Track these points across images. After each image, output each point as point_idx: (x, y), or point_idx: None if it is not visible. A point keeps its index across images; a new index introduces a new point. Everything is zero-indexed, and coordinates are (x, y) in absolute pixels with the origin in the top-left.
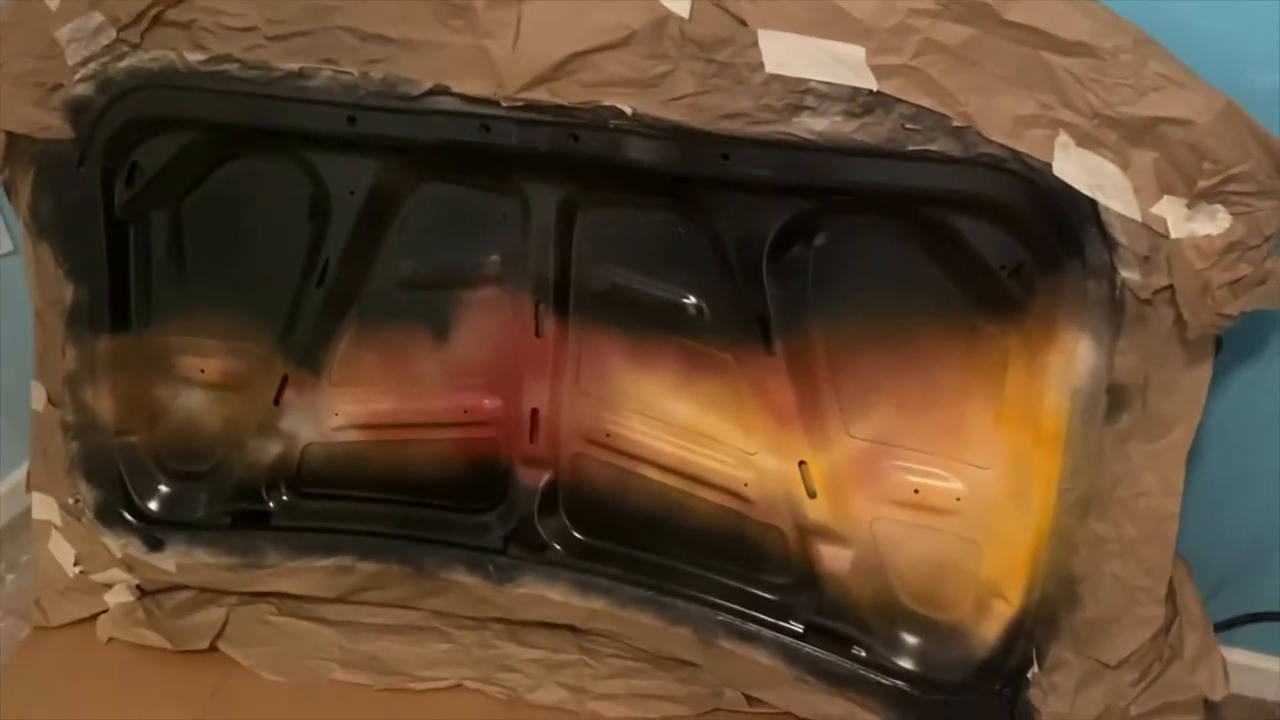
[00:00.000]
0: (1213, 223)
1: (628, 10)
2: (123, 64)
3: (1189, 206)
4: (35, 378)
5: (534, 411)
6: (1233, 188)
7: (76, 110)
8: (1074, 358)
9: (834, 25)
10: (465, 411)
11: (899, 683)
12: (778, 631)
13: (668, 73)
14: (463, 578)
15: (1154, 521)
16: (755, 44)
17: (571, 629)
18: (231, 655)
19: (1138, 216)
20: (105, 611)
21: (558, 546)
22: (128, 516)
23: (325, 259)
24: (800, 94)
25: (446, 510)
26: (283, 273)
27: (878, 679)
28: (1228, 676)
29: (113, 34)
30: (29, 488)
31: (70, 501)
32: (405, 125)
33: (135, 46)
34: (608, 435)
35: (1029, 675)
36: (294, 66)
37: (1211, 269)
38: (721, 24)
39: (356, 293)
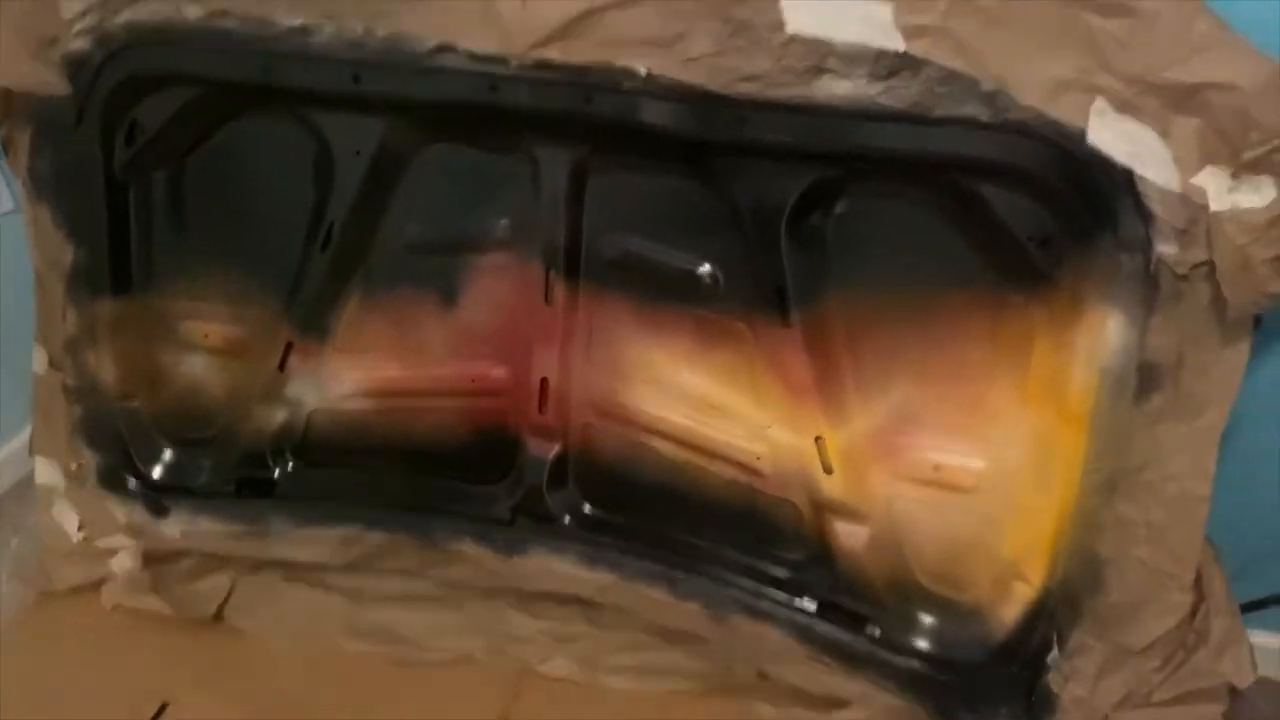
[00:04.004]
0: (1257, 195)
1: None
2: (120, 18)
3: (1233, 177)
4: (36, 340)
5: (543, 381)
6: None
7: (74, 66)
8: (1103, 334)
9: None
10: (473, 380)
11: (914, 663)
12: (790, 609)
13: (684, 32)
14: (470, 549)
15: (1183, 505)
16: (776, 2)
17: (581, 601)
18: (237, 623)
19: (1177, 187)
20: (110, 577)
21: (567, 519)
22: (132, 482)
23: (330, 222)
24: (823, 55)
25: (454, 480)
26: (287, 235)
27: (892, 659)
28: (1255, 664)
29: None
30: (32, 452)
31: (73, 467)
32: (411, 84)
33: (132, 1)
34: (619, 406)
35: (1049, 659)
36: (296, 22)
37: (1254, 244)
38: None
39: (362, 257)
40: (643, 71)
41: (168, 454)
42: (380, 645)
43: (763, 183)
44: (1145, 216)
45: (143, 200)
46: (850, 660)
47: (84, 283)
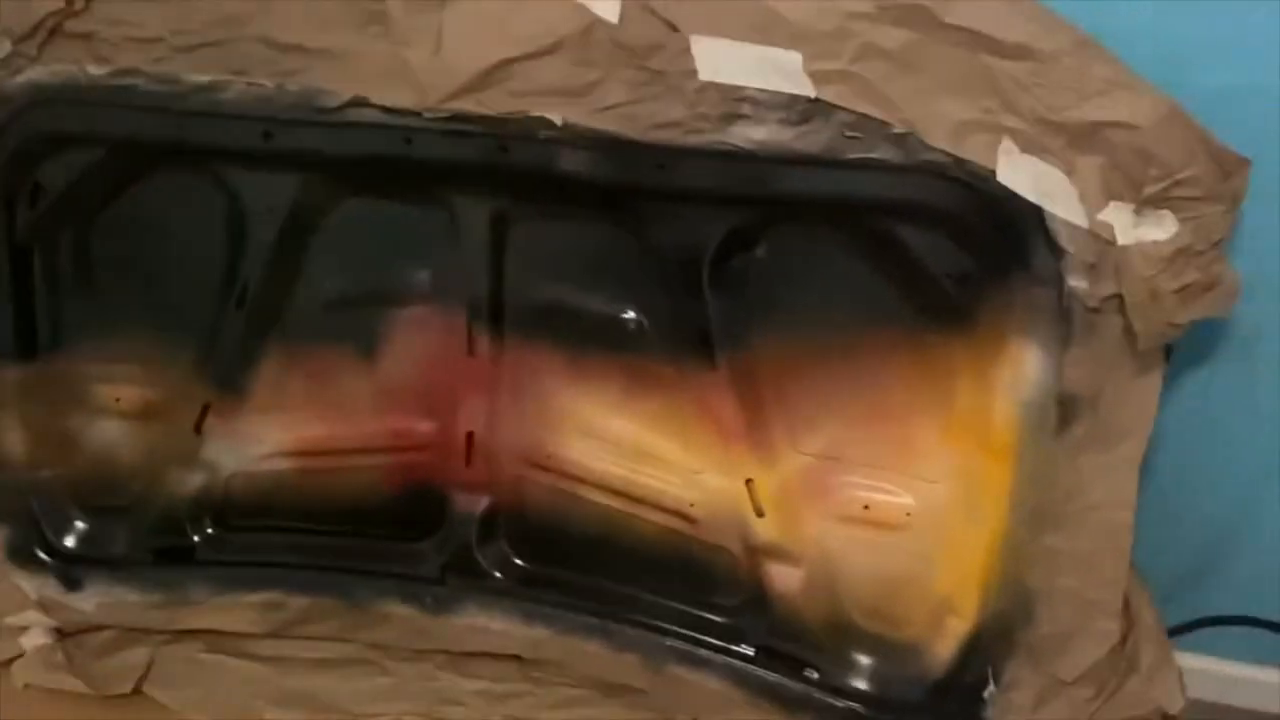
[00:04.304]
0: (1160, 229)
1: (555, 16)
2: (20, 78)
3: (1136, 213)
4: None
5: (469, 434)
6: (1179, 193)
7: None
8: (1023, 368)
9: (769, 30)
10: (397, 435)
11: (853, 704)
12: (728, 655)
13: (598, 81)
14: (399, 609)
15: (1108, 534)
16: (688, 50)
17: (516, 659)
18: (158, 698)
19: (1084, 223)
20: (21, 655)
21: (499, 574)
22: (42, 555)
23: (245, 279)
24: (736, 102)
25: (380, 539)
26: (200, 295)
27: (832, 701)
28: (1184, 688)
29: (8, 47)
30: None
31: None
32: (324, 139)
33: (33, 60)
34: (548, 457)
35: (985, 694)
36: (204, 79)
37: (1159, 276)
38: (652, 30)
39: (279, 314)
40: (558, 121)
41: (80, 524)
42: (307, 714)
43: (684, 228)
44: (1056, 252)
45: (48, 262)
46: (789, 705)
47: None
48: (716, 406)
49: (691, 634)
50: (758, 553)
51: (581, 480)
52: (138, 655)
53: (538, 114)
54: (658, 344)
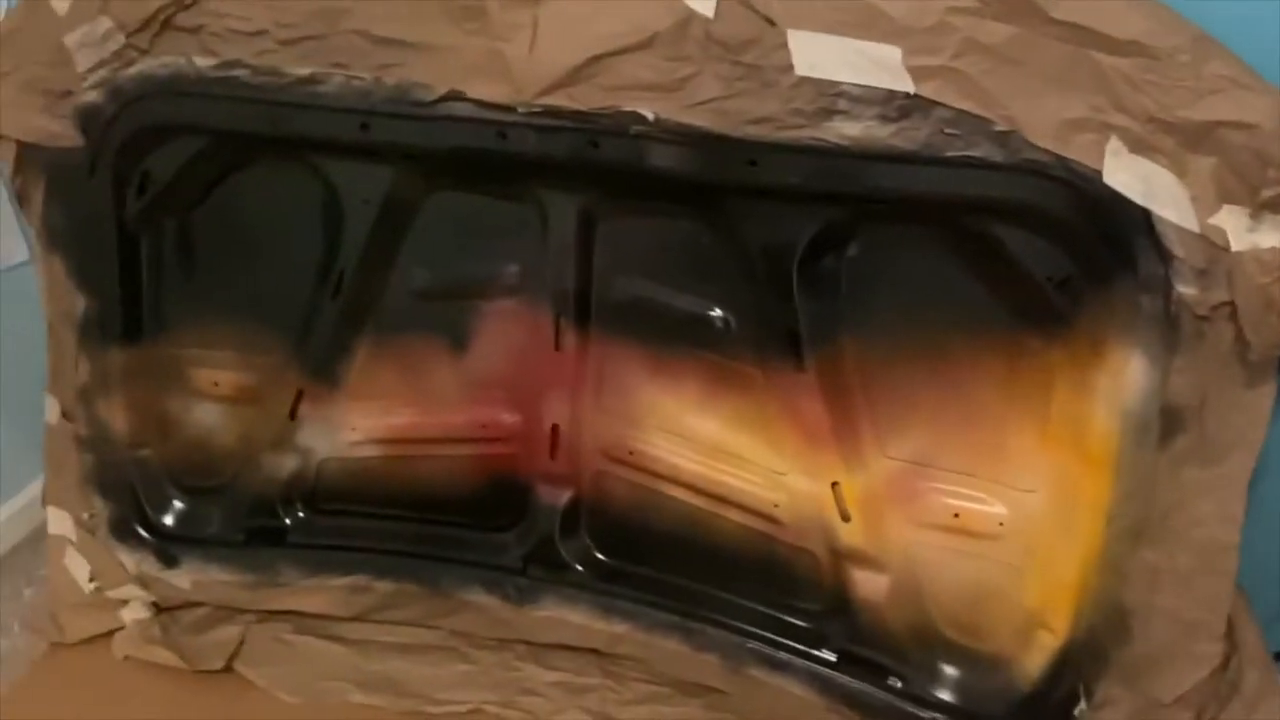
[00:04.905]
0: (1277, 234)
1: (649, 11)
2: (132, 70)
3: (1252, 217)
4: (48, 390)
5: (554, 427)
6: None
7: (86, 118)
8: (1125, 377)
9: (868, 25)
10: (484, 426)
11: (937, 715)
12: (809, 660)
13: (691, 75)
14: (481, 598)
15: (1211, 552)
16: (784, 45)
17: (595, 652)
18: (246, 675)
19: (1195, 227)
20: (122, 628)
21: (579, 568)
22: (142, 532)
23: (340, 269)
24: (832, 97)
25: (465, 528)
26: (297, 283)
27: (915, 711)
28: None
29: (121, 40)
30: (44, 502)
31: (85, 516)
32: (419, 132)
33: (144, 52)
34: (631, 453)
35: (1076, 712)
36: (305, 71)
37: (1276, 284)
38: (748, 24)
39: (372, 304)
40: (650, 116)
41: (178, 503)
42: (389, 698)
43: (774, 225)
44: (1164, 257)
45: (154, 249)
46: (871, 712)
47: (96, 332)
48: (803, 408)
49: (772, 637)
50: (842, 557)
51: (664, 477)
52: (229, 633)
53: (629, 109)
54: (745, 343)
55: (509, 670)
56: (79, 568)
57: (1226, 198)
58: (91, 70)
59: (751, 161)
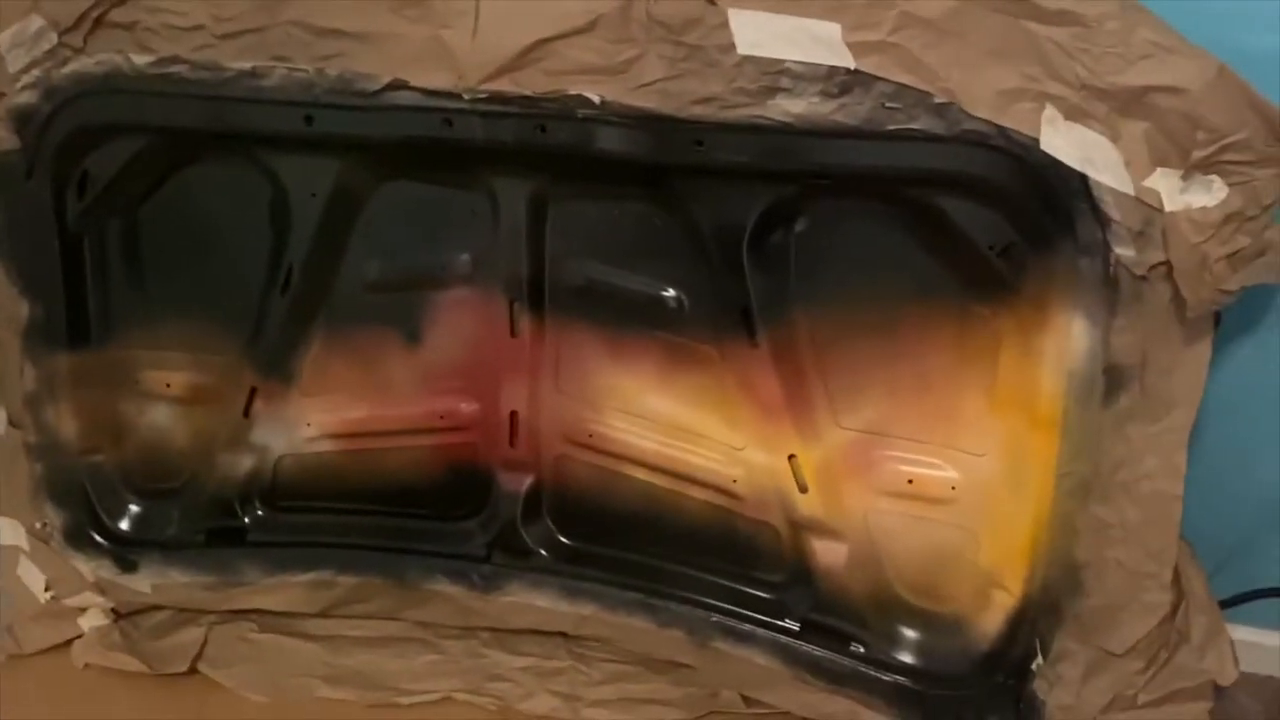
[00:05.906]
0: (1208, 194)
1: None
2: (66, 69)
3: (1183, 178)
4: None
5: (513, 414)
6: (1228, 157)
7: (21, 119)
8: (1068, 339)
9: (807, 1)
10: (442, 416)
11: (900, 678)
12: (773, 630)
13: (636, 58)
14: (446, 587)
15: (1157, 504)
16: (725, 24)
17: (562, 635)
18: (212, 676)
19: (1130, 190)
20: (80, 636)
21: (543, 552)
22: (98, 538)
23: (289, 264)
24: (775, 75)
25: (427, 519)
26: (246, 280)
27: (878, 675)
28: (1237, 660)
29: (54, 38)
30: None
31: (38, 526)
32: (364, 122)
33: (78, 50)
34: (590, 435)
35: (1033, 666)
36: (246, 65)
37: (1208, 242)
38: (690, 4)
39: (323, 298)
40: (596, 99)
41: (134, 507)
42: (357, 691)
43: (722, 204)
44: (1102, 220)
45: (98, 251)
46: (834, 679)
47: (41, 337)
48: (758, 383)
49: (736, 609)
50: (801, 528)
51: (624, 458)
52: (192, 635)
53: (575, 92)
54: (698, 321)
55: (477, 657)
56: (34, 578)
57: (1159, 160)
58: (24, 70)
59: (698, 142)
